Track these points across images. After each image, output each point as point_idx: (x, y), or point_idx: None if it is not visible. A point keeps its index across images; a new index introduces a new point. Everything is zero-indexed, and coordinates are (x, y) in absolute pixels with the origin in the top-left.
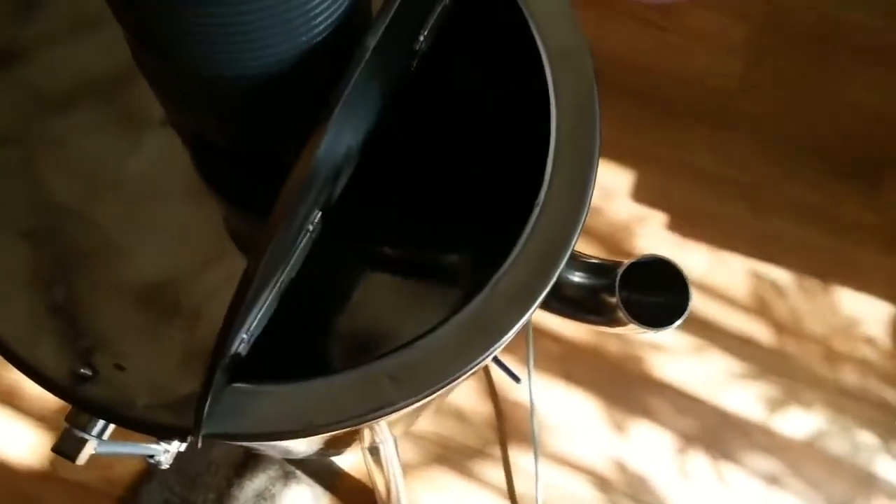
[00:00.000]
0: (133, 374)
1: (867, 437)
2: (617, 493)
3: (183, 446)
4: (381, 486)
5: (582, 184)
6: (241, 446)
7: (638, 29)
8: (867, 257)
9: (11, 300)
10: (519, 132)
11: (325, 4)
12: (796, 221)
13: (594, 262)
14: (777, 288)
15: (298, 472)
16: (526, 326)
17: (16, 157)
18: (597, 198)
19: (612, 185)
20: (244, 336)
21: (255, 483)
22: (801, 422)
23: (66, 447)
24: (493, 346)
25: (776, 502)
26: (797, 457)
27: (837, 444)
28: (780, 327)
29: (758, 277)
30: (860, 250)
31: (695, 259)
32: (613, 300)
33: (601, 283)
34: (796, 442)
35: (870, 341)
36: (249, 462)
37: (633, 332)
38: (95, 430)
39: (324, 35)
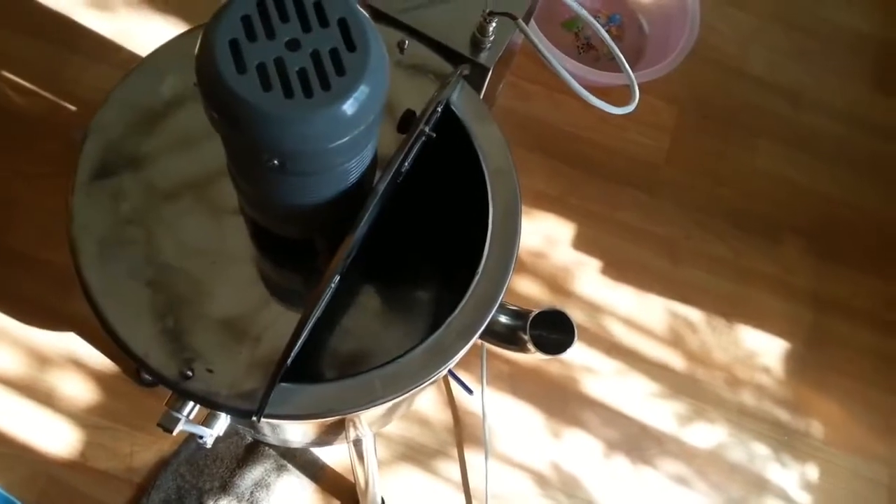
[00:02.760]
0: (218, 376)
1: (761, 449)
2: (553, 490)
3: (222, 431)
4: (360, 475)
5: (507, 259)
6: (258, 435)
7: (583, 108)
8: (765, 300)
9: (139, 326)
10: (468, 224)
11: (355, 167)
12: (707, 270)
13: (515, 310)
14: (689, 324)
15: (290, 465)
16: (480, 349)
17: (140, 232)
18: (543, 244)
19: (556, 234)
20: (292, 355)
21: (254, 473)
22: (706, 434)
23: (166, 422)
24: (447, 363)
25: (684, 500)
26: (702, 463)
27: (736, 454)
28: (691, 356)
29: (674, 315)
30: (760, 295)
31: (622, 298)
32: (525, 336)
33: (518, 324)
34: (702, 451)
35: (766, 370)
36: (249, 456)
37: (538, 358)
38: (185, 413)
39: (352, 182)
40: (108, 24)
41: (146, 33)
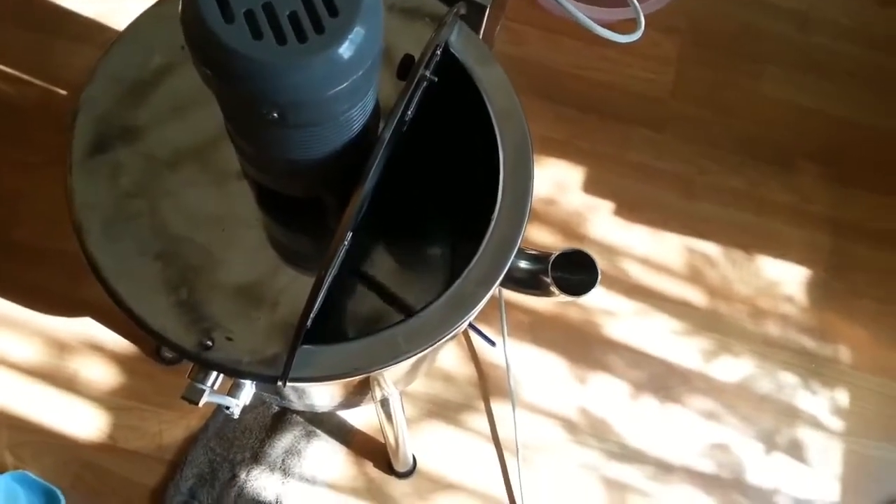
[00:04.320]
0: (238, 343)
1: (789, 378)
2: (583, 434)
3: (248, 400)
4: (389, 435)
5: (522, 203)
6: (284, 402)
7: (583, 47)
8: (783, 229)
9: (153, 300)
10: (478, 170)
11: (357, 115)
12: (722, 202)
13: (534, 253)
14: (708, 259)
15: (319, 431)
16: (498, 300)
17: (144, 205)
18: (553, 191)
19: (566, 179)
20: (311, 316)
21: (283, 442)
22: (732, 368)
23: (191, 395)
24: (469, 313)
25: (715, 434)
26: (731, 397)
27: (764, 385)
28: (712, 291)
29: (691, 251)
30: (777, 224)
31: (638, 238)
32: (548, 279)
33: (539, 268)
34: (729, 385)
35: (788, 299)
36: (277, 425)
37: (562, 300)
38: (208, 384)
39: (356, 132)
40: (91, 5)
41: (129, 10)
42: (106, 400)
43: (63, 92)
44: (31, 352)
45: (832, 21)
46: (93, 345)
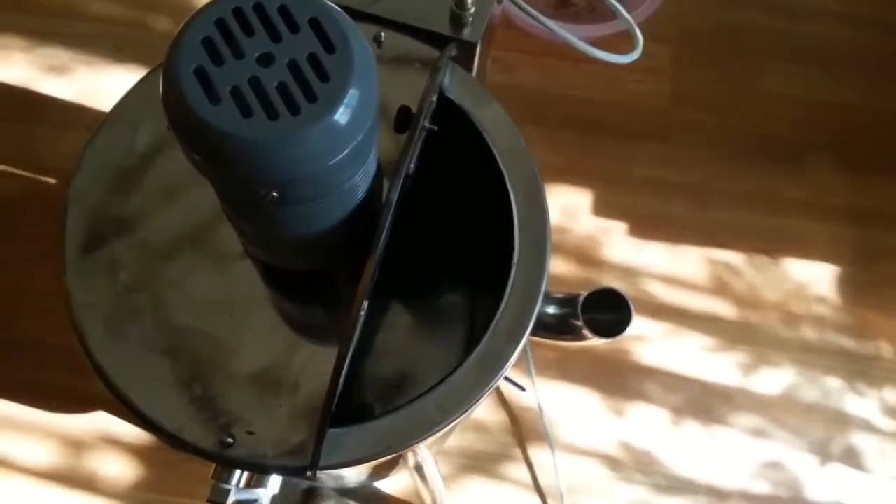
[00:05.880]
0: (261, 436)
1: (833, 382)
2: (628, 470)
3: (277, 489)
4: (427, 499)
5: (541, 243)
6: (313, 482)
7: (573, 67)
8: (804, 227)
9: (165, 401)
10: (490, 215)
11: (361, 180)
12: (737, 208)
13: (561, 297)
14: (731, 268)
15: (352, 503)
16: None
17: (146, 300)
18: (562, 218)
19: (574, 205)
20: (335, 398)
21: None
22: (773, 380)
23: (216, 497)
24: (501, 371)
25: (765, 451)
26: (777, 410)
27: (809, 393)
28: (740, 302)
29: (713, 263)
30: (796, 222)
31: (655, 256)
32: (579, 323)
33: (568, 312)
34: (773, 398)
35: (821, 300)
36: (309, 501)
37: (595, 343)
38: (233, 482)
39: (360, 198)
40: (69, 88)
41: (109, 89)
42: (129, 496)
43: (52, 180)
44: (44, 454)
45: (822, 9)
46: (109, 439)
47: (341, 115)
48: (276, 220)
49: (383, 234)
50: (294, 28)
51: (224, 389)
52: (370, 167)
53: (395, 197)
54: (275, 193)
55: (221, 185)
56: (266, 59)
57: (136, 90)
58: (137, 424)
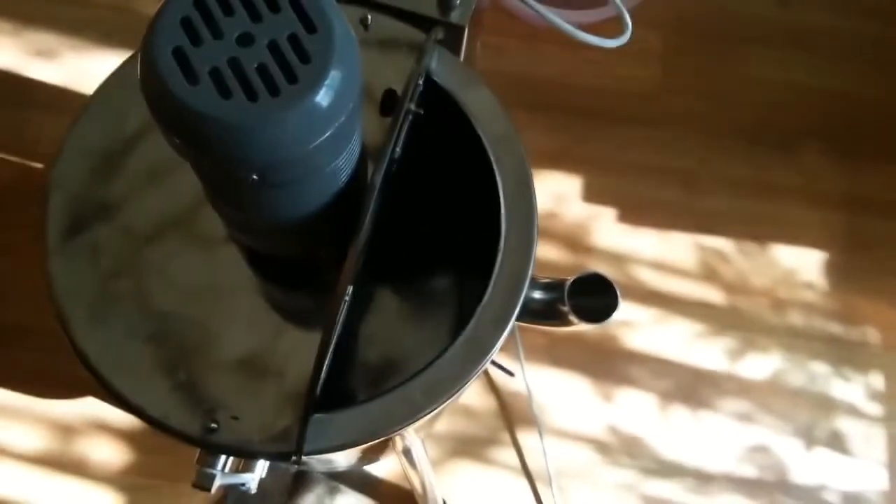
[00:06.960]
0: (246, 421)
1: (820, 368)
2: (616, 454)
3: (264, 473)
4: (416, 483)
5: (528, 229)
6: (301, 466)
7: (564, 52)
8: (794, 214)
9: (149, 387)
10: (477, 201)
11: (344, 164)
12: (728, 194)
13: (547, 282)
14: (720, 254)
15: (343, 486)
16: (512, 328)
17: (129, 284)
18: (552, 204)
19: (564, 190)
20: (320, 383)
21: (307, 502)
22: (760, 365)
23: (202, 481)
24: (487, 356)
25: (752, 436)
26: (763, 395)
27: (796, 378)
28: (729, 287)
29: (702, 249)
30: (787, 209)
31: (645, 242)
32: (565, 308)
33: (555, 297)
34: (760, 382)
35: (809, 286)
36: (298, 486)
37: (582, 328)
38: (219, 467)
39: (344, 182)
40: (58, 73)
41: (97, 74)
42: (120, 480)
43: (40, 165)
44: (35, 439)
45: None
46: (99, 424)
47: (322, 97)
48: (257, 205)
49: (367, 219)
50: (274, 7)
51: (208, 375)
52: (354, 150)
53: (378, 180)
54: (255, 176)
55: (202, 169)
56: (246, 40)
57: (118, 73)
58: (122, 409)
